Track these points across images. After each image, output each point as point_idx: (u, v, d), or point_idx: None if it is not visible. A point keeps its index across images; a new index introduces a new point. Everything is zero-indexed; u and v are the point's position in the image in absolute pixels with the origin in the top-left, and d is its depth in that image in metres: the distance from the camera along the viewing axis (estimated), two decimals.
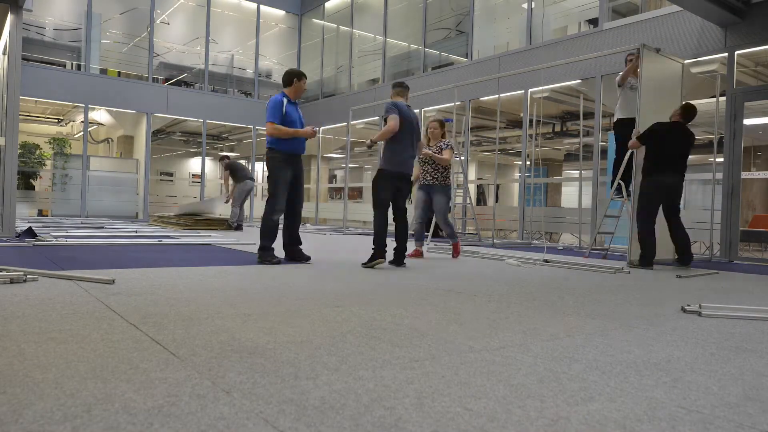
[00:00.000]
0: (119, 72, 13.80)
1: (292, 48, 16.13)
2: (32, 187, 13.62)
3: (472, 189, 15.97)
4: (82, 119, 13.51)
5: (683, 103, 5.77)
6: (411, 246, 5.67)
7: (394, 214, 4.88)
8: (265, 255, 4.64)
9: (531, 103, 9.44)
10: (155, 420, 1.21)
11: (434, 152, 5.85)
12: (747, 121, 7.55)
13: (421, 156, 5.73)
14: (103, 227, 8.97)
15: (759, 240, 9.32)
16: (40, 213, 13.36)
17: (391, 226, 4.89)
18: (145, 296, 2.79)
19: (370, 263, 4.59)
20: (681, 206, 5.68)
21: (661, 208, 5.58)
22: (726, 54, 7.16)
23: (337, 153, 19.16)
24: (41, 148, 14.03)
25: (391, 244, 4.75)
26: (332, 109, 14.39)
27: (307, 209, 15.61)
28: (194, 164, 20.02)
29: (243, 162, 13.94)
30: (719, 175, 6.98)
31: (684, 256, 5.53)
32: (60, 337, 1.91)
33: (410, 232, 5.44)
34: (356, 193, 21.27)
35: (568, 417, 1.33)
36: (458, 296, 3.17)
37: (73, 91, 12.81)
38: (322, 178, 15.56)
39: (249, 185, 9.87)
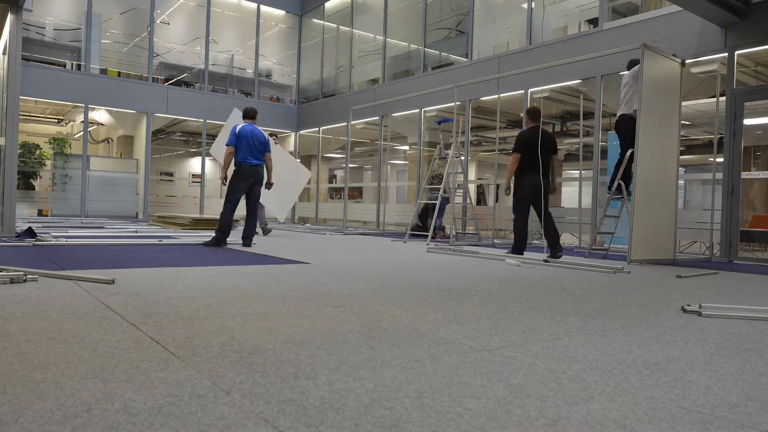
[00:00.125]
0: (119, 72, 13.80)
1: (292, 48, 16.13)
2: (32, 187, 13.62)
3: (472, 189, 15.98)
4: (82, 119, 13.51)
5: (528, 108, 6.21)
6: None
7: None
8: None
9: (531, 103, 9.43)
10: (155, 420, 1.21)
11: None
12: (747, 121, 7.55)
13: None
14: (103, 227, 8.97)
15: (759, 240, 9.32)
16: (40, 213, 13.36)
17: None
18: (145, 296, 2.79)
19: (210, 244, 6.23)
20: (681, 206, 5.72)
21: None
22: (726, 54, 7.16)
23: (337, 153, 19.17)
24: (41, 148, 14.03)
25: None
26: (332, 109, 14.39)
27: (307, 209, 15.63)
28: (194, 164, 20.02)
29: None
30: (719, 175, 6.98)
31: (554, 249, 5.95)
32: (60, 337, 1.91)
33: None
34: (356, 193, 21.28)
35: (568, 417, 1.33)
36: (458, 296, 3.17)
37: (73, 91, 12.81)
38: (322, 178, 15.56)
39: None
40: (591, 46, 8.57)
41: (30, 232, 6.65)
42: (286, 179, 8.91)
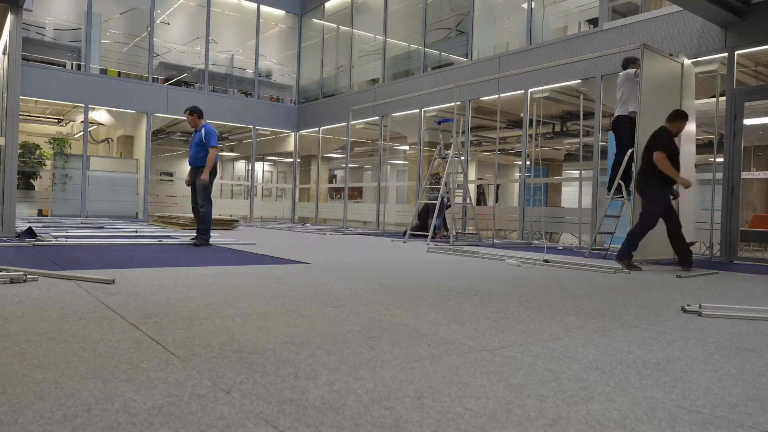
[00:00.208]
0: (119, 72, 13.79)
1: (292, 48, 16.13)
2: (32, 187, 13.62)
3: (472, 189, 15.97)
4: (82, 119, 13.50)
5: None
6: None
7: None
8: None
9: (531, 103, 9.44)
10: (155, 420, 1.21)
11: None
12: (747, 121, 7.55)
13: None
14: (103, 227, 8.97)
15: (759, 240, 9.32)
16: (40, 213, 13.36)
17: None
18: (145, 296, 2.79)
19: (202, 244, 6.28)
20: (675, 207, 5.72)
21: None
22: (726, 54, 7.15)
23: (337, 153, 19.16)
24: (41, 148, 14.02)
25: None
26: (332, 109, 14.39)
27: (307, 209, 15.62)
28: None
29: None
30: (719, 175, 6.98)
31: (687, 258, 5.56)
32: (60, 337, 1.91)
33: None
34: (356, 193, 21.28)
35: (568, 417, 1.33)
36: (458, 296, 3.17)
37: (73, 91, 12.81)
38: (322, 178, 15.56)
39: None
40: (591, 46, 8.57)
41: (30, 232, 6.65)
42: None
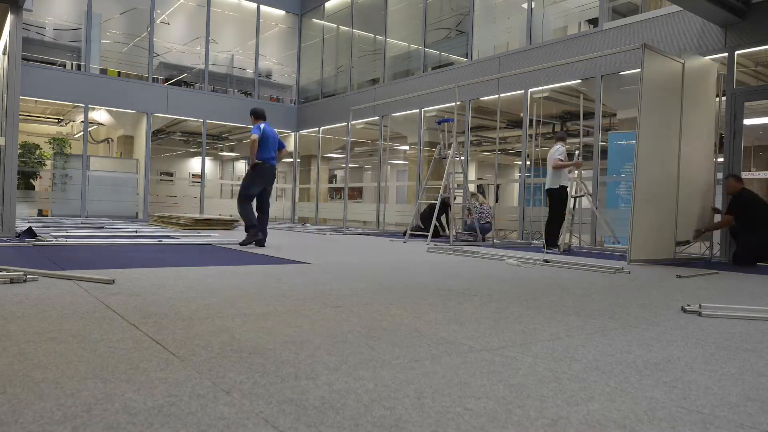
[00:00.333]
0: (119, 72, 13.79)
1: (292, 48, 16.13)
2: (32, 187, 13.62)
3: (472, 189, 15.96)
4: (82, 119, 13.51)
5: None
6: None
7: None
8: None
9: (531, 103, 9.44)
10: (155, 420, 1.21)
11: None
12: (747, 121, 7.55)
13: None
14: (103, 227, 8.97)
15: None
16: (40, 213, 13.36)
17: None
18: (145, 296, 2.79)
19: (246, 243, 6.28)
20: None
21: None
22: (726, 54, 7.16)
23: (337, 153, 19.16)
24: (41, 148, 14.02)
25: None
26: (332, 109, 14.39)
27: (307, 209, 15.62)
28: (194, 164, 20.02)
29: None
30: (719, 175, 6.98)
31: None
32: (60, 337, 1.91)
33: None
34: (356, 193, 21.27)
35: (568, 417, 1.33)
36: (458, 296, 3.17)
37: (73, 91, 12.81)
38: (322, 178, 15.56)
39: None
40: (591, 46, 8.57)
41: (30, 232, 6.65)
42: None
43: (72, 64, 13.20)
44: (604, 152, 8.80)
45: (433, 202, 9.33)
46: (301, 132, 15.85)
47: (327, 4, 15.02)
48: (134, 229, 8.70)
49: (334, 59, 14.99)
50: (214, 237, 7.77)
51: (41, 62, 12.76)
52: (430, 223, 8.71)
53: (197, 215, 11.36)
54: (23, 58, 10.19)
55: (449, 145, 8.97)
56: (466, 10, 11.22)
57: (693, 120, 6.52)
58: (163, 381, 1.48)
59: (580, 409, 1.38)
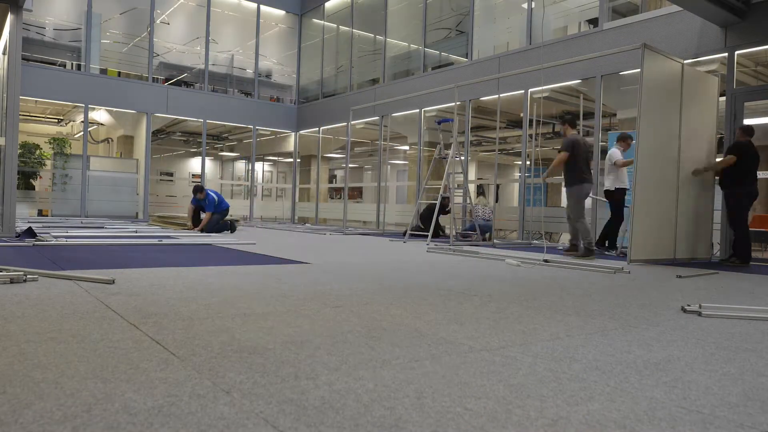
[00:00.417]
0: (119, 72, 13.79)
1: (292, 48, 16.13)
2: (32, 187, 13.62)
3: (472, 189, 15.96)
4: (82, 119, 13.51)
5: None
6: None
7: None
8: None
9: (531, 103, 9.44)
10: (155, 420, 1.21)
11: None
12: (747, 121, 7.55)
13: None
14: (103, 227, 8.97)
15: (759, 240, 9.32)
16: (40, 213, 13.36)
17: None
18: (145, 296, 2.79)
19: None
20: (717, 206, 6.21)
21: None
22: (726, 54, 7.16)
23: (337, 153, 19.17)
24: (41, 148, 14.02)
25: None
26: (332, 109, 14.39)
27: (307, 209, 15.62)
28: (194, 164, 20.03)
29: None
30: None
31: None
32: (60, 337, 1.91)
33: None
34: (356, 193, 21.28)
35: (568, 417, 1.33)
36: (458, 296, 3.17)
37: (73, 91, 12.81)
38: (322, 178, 15.56)
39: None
40: (591, 46, 8.57)
41: (30, 232, 6.65)
42: None
43: (72, 64, 13.20)
44: (604, 152, 8.79)
45: (432, 202, 9.34)
46: (301, 132, 15.86)
47: (327, 4, 15.02)
48: (134, 229, 8.70)
49: (334, 59, 14.99)
50: (214, 237, 7.77)
51: (41, 62, 12.76)
52: (430, 223, 8.71)
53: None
54: (23, 58, 10.19)
55: (449, 145, 8.97)
56: (466, 10, 11.22)
57: (693, 120, 6.52)
58: (163, 381, 1.48)
59: (580, 409, 1.38)
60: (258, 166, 21.94)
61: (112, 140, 16.55)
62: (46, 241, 5.87)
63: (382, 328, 2.25)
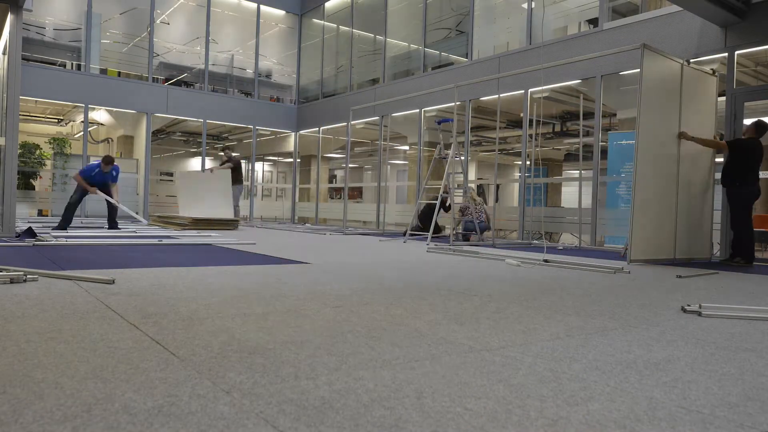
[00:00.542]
0: (119, 72, 13.79)
1: (292, 48, 16.13)
2: (32, 187, 13.62)
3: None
4: (82, 119, 13.51)
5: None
6: None
7: None
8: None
9: (531, 103, 9.44)
10: (155, 420, 1.21)
11: None
12: (747, 122, 7.55)
13: None
14: (103, 227, 8.97)
15: (759, 240, 9.32)
16: (40, 213, 13.36)
17: None
18: (145, 296, 2.79)
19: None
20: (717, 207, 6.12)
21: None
22: (726, 54, 7.16)
23: (337, 153, 19.16)
24: (41, 148, 14.02)
25: None
26: (332, 109, 14.39)
27: (307, 209, 15.62)
28: (194, 164, 20.02)
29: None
30: (719, 175, 6.97)
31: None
32: (60, 337, 1.91)
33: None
34: (356, 193, 21.28)
35: (568, 417, 1.33)
36: (458, 296, 3.17)
37: (73, 91, 12.81)
38: (322, 178, 15.56)
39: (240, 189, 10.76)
40: (591, 46, 8.57)
41: (30, 232, 6.65)
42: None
43: (72, 64, 13.20)
44: (604, 152, 8.80)
45: (432, 201, 9.34)
46: (301, 132, 15.86)
47: (327, 4, 15.02)
48: (134, 229, 8.70)
49: (334, 59, 14.99)
50: (214, 237, 7.77)
51: (41, 62, 12.76)
52: (430, 222, 8.70)
53: (197, 215, 11.34)
54: (23, 58, 10.19)
55: (449, 145, 8.97)
56: (466, 10, 11.22)
57: (692, 119, 6.52)
58: (163, 381, 1.48)
59: (580, 409, 1.38)
60: (258, 166, 21.94)
61: (112, 140, 16.55)
62: (46, 241, 5.87)
63: (382, 328, 2.25)
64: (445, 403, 1.39)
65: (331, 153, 18.68)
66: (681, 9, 7.26)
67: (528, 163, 9.73)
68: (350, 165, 14.27)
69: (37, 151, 13.83)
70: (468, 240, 9.08)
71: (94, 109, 13.61)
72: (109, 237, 6.98)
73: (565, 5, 9.85)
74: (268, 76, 16.15)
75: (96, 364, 1.61)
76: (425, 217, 9.62)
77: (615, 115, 10.27)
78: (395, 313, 2.57)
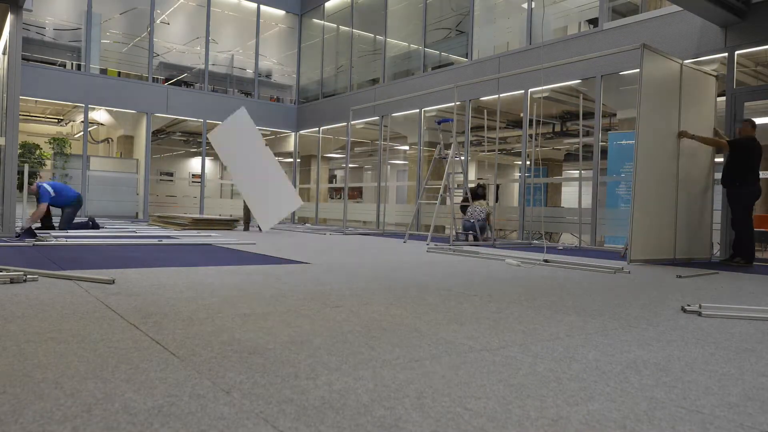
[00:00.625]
0: (119, 72, 13.80)
1: (292, 48, 16.13)
2: None
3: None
4: (82, 119, 13.51)
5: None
6: None
7: None
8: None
9: (531, 103, 9.44)
10: (155, 420, 1.21)
11: None
12: None
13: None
14: (103, 227, 8.97)
15: (759, 240, 9.32)
16: None
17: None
18: (145, 296, 2.79)
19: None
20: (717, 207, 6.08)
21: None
22: (726, 54, 7.16)
23: (337, 153, 19.16)
24: (41, 148, 14.02)
25: None
26: (332, 109, 14.39)
27: (307, 209, 15.62)
28: (194, 164, 20.02)
29: None
30: (719, 175, 6.97)
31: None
32: (60, 337, 1.91)
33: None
34: (356, 193, 21.27)
35: (568, 417, 1.33)
36: (458, 296, 3.17)
37: (73, 91, 12.81)
38: (322, 178, 15.56)
39: None
40: (591, 46, 8.57)
41: (30, 232, 6.66)
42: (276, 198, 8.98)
43: (72, 64, 13.20)
44: (604, 152, 8.80)
45: (432, 202, 9.33)
46: (301, 132, 15.86)
47: (327, 4, 15.02)
48: (134, 229, 8.70)
49: (334, 59, 14.99)
50: (214, 237, 7.77)
51: (41, 62, 12.76)
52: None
53: (197, 215, 11.36)
54: (23, 58, 10.19)
55: (449, 145, 8.97)
56: (466, 10, 11.22)
57: (691, 119, 6.52)
58: (163, 381, 1.48)
59: (580, 409, 1.38)
60: None
61: (112, 140, 16.55)
62: (46, 241, 5.87)
63: (382, 328, 2.25)
64: (445, 403, 1.39)
65: (331, 153, 18.68)
66: (681, 9, 7.26)
67: (528, 163, 9.72)
68: (350, 165, 14.27)
69: (37, 151, 13.83)
70: (467, 240, 9.08)
71: (94, 109, 13.61)
72: (109, 237, 6.98)
73: (565, 5, 9.85)
74: (268, 76, 16.15)
75: (96, 364, 1.61)
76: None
77: (615, 115, 10.27)
78: (395, 313, 2.57)
